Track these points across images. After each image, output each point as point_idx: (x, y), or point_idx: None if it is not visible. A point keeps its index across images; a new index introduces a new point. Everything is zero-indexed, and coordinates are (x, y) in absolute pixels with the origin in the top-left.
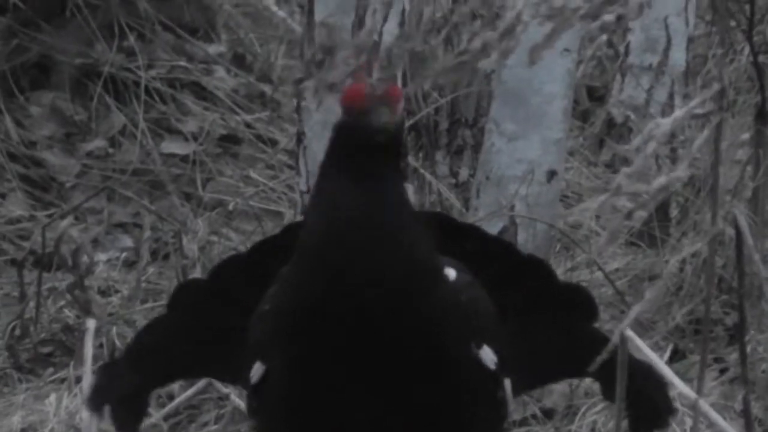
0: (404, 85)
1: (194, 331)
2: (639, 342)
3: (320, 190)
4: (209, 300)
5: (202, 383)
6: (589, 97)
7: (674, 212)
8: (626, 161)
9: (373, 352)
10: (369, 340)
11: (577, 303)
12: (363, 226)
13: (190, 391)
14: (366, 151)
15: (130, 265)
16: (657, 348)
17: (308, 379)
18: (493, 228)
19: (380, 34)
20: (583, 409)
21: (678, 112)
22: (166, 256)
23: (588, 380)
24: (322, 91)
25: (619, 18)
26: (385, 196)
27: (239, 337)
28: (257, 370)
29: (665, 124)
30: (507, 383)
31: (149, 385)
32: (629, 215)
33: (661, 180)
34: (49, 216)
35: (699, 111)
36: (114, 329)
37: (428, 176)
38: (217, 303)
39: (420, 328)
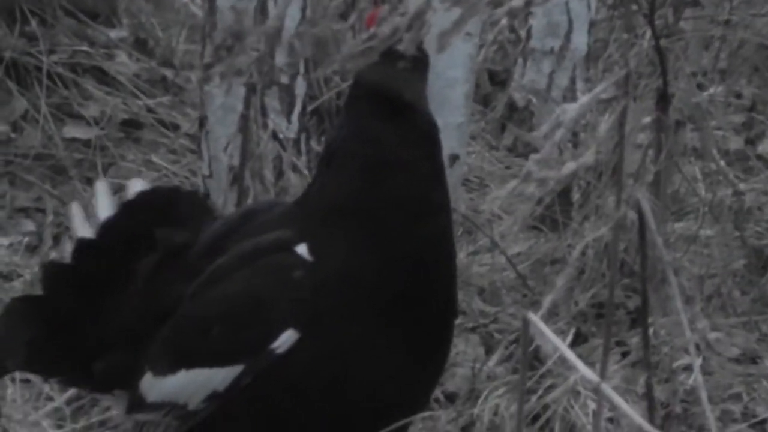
0: (310, 71)
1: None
2: (542, 325)
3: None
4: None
5: None
6: (491, 82)
7: (576, 196)
8: (528, 146)
9: (424, 313)
10: (425, 303)
11: None
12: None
13: None
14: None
15: (32, 249)
16: (559, 332)
17: (359, 345)
18: None
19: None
20: (485, 393)
21: (584, 98)
22: None
23: (491, 364)
24: (230, 77)
25: (528, 3)
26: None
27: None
28: (287, 338)
29: (572, 109)
30: None
31: None
32: (540, 202)
33: (570, 165)
34: None
35: (604, 96)
36: None
37: None
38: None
39: (453, 286)
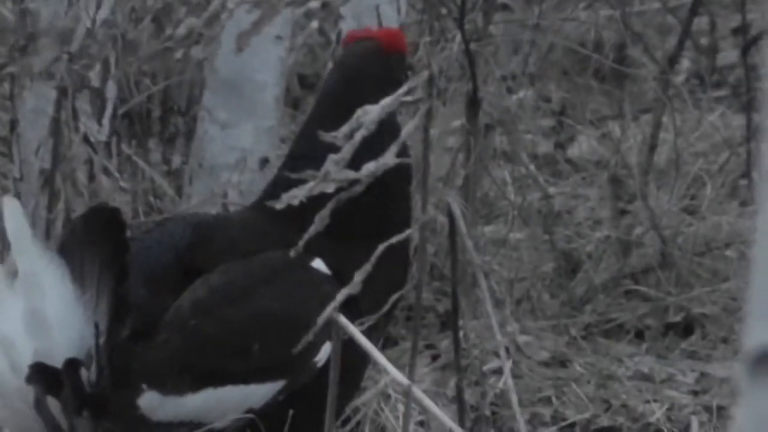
0: (110, 71)
1: None
2: (352, 328)
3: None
4: None
5: None
6: (301, 85)
7: None
8: (335, 148)
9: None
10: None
11: None
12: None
13: None
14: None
15: None
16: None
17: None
18: None
19: (94, 22)
20: None
21: (386, 99)
22: None
23: None
24: (25, 77)
25: (325, 5)
26: None
27: None
28: (325, 351)
29: (373, 111)
30: None
31: None
32: (338, 201)
33: (369, 167)
34: None
35: (408, 98)
36: None
37: (141, 163)
38: None
39: None
